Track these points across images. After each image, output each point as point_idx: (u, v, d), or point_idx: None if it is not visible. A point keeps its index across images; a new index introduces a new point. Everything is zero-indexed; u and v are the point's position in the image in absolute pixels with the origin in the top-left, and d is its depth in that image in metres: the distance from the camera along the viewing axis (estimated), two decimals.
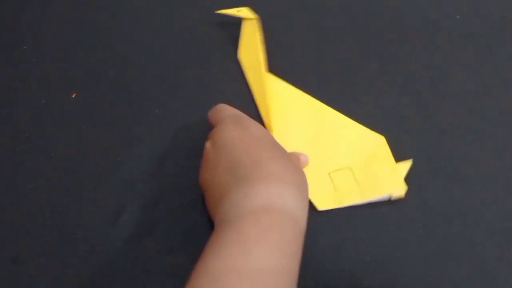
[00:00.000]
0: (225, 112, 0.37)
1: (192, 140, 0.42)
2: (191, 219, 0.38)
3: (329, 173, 0.39)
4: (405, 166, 0.39)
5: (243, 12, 0.44)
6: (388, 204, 0.38)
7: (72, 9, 0.51)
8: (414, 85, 0.43)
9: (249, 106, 0.43)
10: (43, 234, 0.39)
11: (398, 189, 0.37)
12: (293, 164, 0.32)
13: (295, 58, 0.45)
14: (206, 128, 0.42)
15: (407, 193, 0.38)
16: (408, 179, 0.38)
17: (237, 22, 0.46)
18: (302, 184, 0.31)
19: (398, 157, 0.39)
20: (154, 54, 0.47)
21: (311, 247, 0.37)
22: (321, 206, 0.38)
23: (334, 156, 0.40)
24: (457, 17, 0.45)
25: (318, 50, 0.46)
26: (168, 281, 0.36)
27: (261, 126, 0.35)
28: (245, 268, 0.25)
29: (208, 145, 0.35)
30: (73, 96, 0.45)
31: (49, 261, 0.38)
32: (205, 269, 0.26)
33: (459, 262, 0.36)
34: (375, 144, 0.40)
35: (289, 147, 0.37)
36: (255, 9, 0.45)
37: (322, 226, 0.37)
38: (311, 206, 0.37)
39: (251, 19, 0.44)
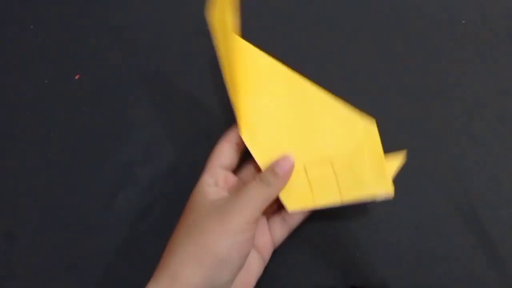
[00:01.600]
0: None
1: (191, 128, 0.42)
2: (185, 205, 0.38)
3: (304, 166, 0.33)
4: (396, 162, 0.33)
5: None
6: (380, 202, 0.38)
7: None
8: (414, 87, 0.43)
9: None
10: (37, 212, 0.39)
11: (385, 191, 0.32)
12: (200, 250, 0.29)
13: (294, 53, 0.45)
14: (206, 116, 0.42)
15: (400, 193, 0.38)
16: (402, 179, 0.38)
17: None
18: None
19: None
20: (159, 39, 0.47)
21: (302, 242, 0.37)
22: (291, 206, 0.33)
23: (311, 144, 0.33)
24: (463, 21, 0.45)
25: (319, 46, 0.46)
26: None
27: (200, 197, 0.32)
28: None
29: None
30: (76, 77, 0.45)
31: (42, 239, 0.38)
32: None
33: (449, 264, 0.36)
34: (363, 132, 0.33)
35: (257, 129, 0.34)
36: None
37: (314, 221, 0.38)
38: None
39: None
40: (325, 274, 0.36)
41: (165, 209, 0.39)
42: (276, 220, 0.35)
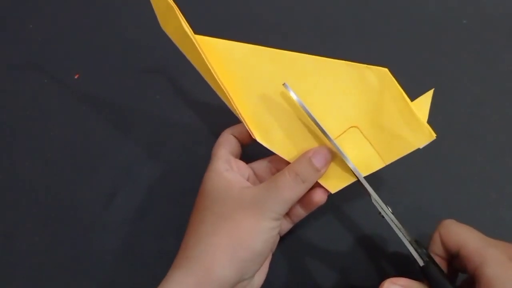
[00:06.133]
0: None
1: (192, 128, 0.42)
2: (184, 205, 0.38)
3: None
4: (426, 102, 0.30)
5: None
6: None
7: None
8: (415, 87, 0.43)
9: None
10: (36, 211, 0.39)
11: (425, 138, 0.29)
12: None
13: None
14: (206, 116, 0.42)
15: (400, 193, 0.38)
16: (401, 179, 0.38)
17: None
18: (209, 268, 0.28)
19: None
20: (159, 39, 0.47)
21: (302, 242, 0.37)
22: (333, 187, 0.31)
23: (329, 117, 0.30)
24: (463, 21, 0.45)
25: (319, 47, 0.46)
26: (157, 266, 0.37)
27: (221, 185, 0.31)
28: None
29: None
30: (76, 77, 0.45)
31: (41, 238, 0.38)
32: None
33: None
34: (377, 83, 0.30)
35: (268, 125, 0.31)
36: None
37: (313, 221, 0.38)
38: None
39: None
40: (325, 274, 0.36)
41: (165, 209, 0.39)
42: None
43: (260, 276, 0.32)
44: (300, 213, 0.33)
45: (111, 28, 0.48)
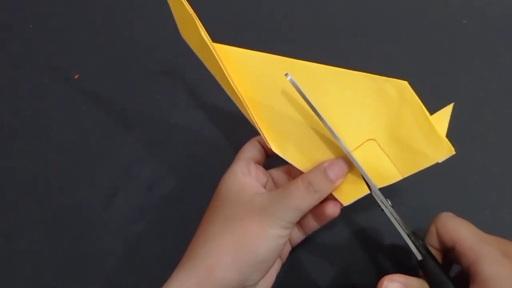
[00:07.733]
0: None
1: (192, 128, 0.42)
2: (184, 205, 0.39)
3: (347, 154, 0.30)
4: (445, 116, 0.29)
5: None
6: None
7: None
8: (414, 86, 0.43)
9: None
10: (36, 211, 0.39)
11: (444, 152, 0.29)
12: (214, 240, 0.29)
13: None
14: (206, 116, 0.42)
15: (400, 194, 0.38)
16: (402, 179, 0.38)
17: None
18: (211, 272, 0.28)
19: None
20: (159, 39, 0.47)
21: (302, 242, 0.37)
22: (346, 200, 0.31)
23: (345, 128, 0.30)
24: (464, 21, 0.45)
25: (319, 47, 0.46)
26: (157, 266, 0.37)
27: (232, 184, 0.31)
28: None
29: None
30: (76, 77, 0.45)
31: (41, 238, 0.38)
32: None
33: None
34: (396, 96, 0.29)
35: (284, 134, 0.31)
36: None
37: None
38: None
39: None
40: (325, 274, 0.36)
41: (164, 209, 0.39)
42: (294, 227, 0.34)
43: (265, 285, 0.32)
44: (313, 225, 0.33)
45: (111, 28, 0.48)
